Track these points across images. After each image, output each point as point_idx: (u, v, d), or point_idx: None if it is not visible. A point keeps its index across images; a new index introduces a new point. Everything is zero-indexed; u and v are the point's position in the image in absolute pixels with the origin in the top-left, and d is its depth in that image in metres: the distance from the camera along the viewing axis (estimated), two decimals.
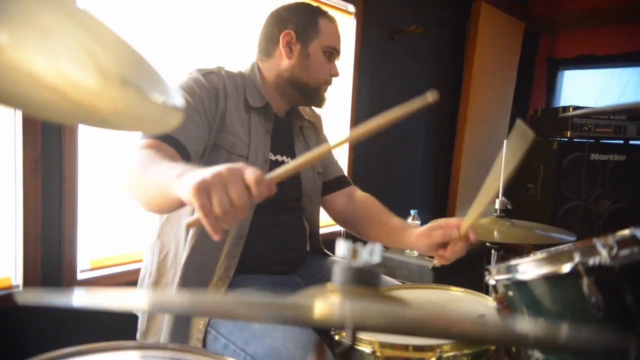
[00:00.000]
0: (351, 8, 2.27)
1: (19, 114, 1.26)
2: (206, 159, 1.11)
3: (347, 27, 2.26)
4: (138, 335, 1.15)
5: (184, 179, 0.71)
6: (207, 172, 0.68)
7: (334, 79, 1.28)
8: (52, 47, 0.39)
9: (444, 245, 1.08)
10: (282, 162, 1.26)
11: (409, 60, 2.78)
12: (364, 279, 0.43)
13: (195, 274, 1.09)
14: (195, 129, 1.07)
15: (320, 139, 1.42)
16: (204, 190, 0.66)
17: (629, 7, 3.16)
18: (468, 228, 1.03)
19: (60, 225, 1.35)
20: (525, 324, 0.41)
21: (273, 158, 1.23)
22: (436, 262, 1.11)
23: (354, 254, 0.44)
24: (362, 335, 0.93)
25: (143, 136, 1.04)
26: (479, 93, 3.13)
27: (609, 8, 3.25)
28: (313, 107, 1.41)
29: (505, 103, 3.45)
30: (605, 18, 3.28)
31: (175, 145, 1.02)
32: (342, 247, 0.45)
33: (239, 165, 0.70)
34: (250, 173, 0.68)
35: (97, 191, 1.48)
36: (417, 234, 1.14)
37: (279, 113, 1.29)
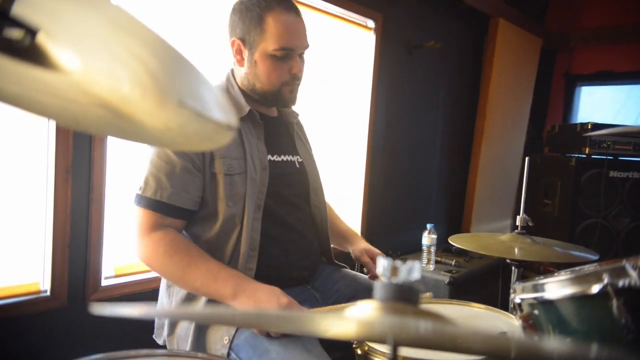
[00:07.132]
0: (370, 24, 2.30)
1: (52, 124, 1.30)
2: (208, 189, 1.12)
3: (366, 42, 2.29)
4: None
5: (241, 304, 1.01)
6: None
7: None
8: (118, 71, 0.42)
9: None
10: (283, 162, 1.25)
11: (426, 75, 2.80)
12: (404, 296, 0.44)
13: None
14: (191, 185, 1.09)
15: (305, 139, 1.41)
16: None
17: None
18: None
19: (87, 233, 1.38)
20: (553, 343, 0.42)
21: (272, 158, 1.22)
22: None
23: (394, 271, 0.45)
24: (383, 349, 0.94)
25: (138, 202, 1.08)
26: (495, 108, 3.13)
27: (626, 25, 3.24)
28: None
29: (522, 118, 3.45)
30: (622, 35, 3.27)
31: (175, 214, 1.09)
32: (382, 265, 0.46)
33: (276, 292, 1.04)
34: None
35: (120, 197, 1.51)
36: (354, 249, 1.42)
37: (269, 114, 1.28)
